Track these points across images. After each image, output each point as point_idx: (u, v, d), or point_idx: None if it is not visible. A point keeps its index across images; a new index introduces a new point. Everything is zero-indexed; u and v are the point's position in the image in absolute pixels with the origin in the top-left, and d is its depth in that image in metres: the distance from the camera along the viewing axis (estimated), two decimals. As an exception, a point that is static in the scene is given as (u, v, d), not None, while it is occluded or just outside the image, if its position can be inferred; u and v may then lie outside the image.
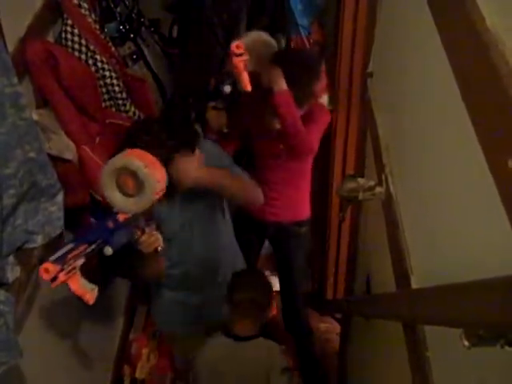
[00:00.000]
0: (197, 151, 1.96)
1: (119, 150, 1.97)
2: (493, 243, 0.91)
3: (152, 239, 1.90)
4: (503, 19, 0.81)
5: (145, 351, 3.38)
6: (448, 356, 1.20)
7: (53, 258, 1.69)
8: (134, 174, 1.66)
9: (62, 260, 1.70)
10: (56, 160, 1.96)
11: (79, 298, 1.75)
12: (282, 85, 2.41)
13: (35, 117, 1.92)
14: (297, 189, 2.95)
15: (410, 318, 1.43)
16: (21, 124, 1.65)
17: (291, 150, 2.65)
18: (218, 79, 2.56)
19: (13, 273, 1.72)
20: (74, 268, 1.72)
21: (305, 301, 3.49)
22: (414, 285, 1.43)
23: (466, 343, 0.81)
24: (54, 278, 1.69)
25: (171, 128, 1.94)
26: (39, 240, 1.85)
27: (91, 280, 1.77)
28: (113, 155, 1.92)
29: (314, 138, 2.63)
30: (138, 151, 1.73)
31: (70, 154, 2.04)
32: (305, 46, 3.30)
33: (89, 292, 1.77)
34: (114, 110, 2.39)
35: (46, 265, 1.64)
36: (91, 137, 2.13)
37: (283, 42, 3.31)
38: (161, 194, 1.75)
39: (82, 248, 1.71)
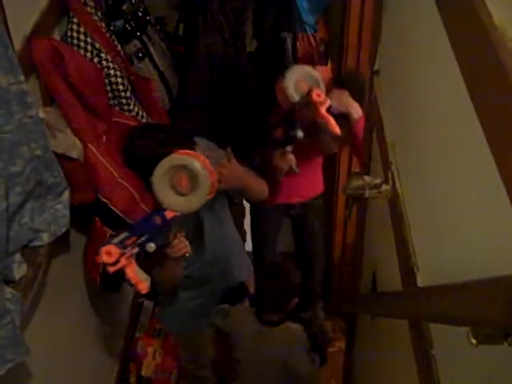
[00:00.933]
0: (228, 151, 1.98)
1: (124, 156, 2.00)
2: (500, 241, 0.90)
3: (182, 245, 1.91)
4: (511, 16, 0.81)
5: (150, 349, 3.39)
6: (454, 354, 1.19)
7: (115, 241, 1.70)
8: (191, 174, 1.69)
9: (122, 244, 1.70)
10: (62, 158, 1.96)
11: (133, 286, 1.76)
12: (360, 110, 2.52)
13: (42, 115, 1.92)
14: (316, 170, 3.13)
15: (416, 316, 1.43)
16: (27, 122, 1.65)
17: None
18: (288, 126, 2.57)
19: (19, 270, 1.73)
20: (131, 255, 1.73)
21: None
22: (420, 283, 1.43)
23: (474, 341, 0.81)
24: (114, 263, 1.69)
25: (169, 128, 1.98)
26: (45, 238, 1.85)
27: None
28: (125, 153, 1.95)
29: None
30: (195, 152, 1.75)
31: (76, 152, 2.05)
32: (311, 43, 3.29)
33: (142, 281, 1.77)
34: (117, 109, 2.38)
35: (109, 247, 1.68)
36: (98, 135, 2.13)
37: (289, 41, 3.31)
38: (211, 196, 1.76)
39: (133, 239, 1.74)
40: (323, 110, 2.33)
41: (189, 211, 1.78)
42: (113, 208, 2.15)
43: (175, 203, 1.73)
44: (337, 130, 2.35)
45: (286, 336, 2.58)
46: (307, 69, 2.52)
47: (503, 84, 0.74)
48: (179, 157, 1.71)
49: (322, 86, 2.45)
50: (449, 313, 1.01)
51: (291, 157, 2.66)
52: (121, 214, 2.16)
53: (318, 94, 2.31)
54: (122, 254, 1.70)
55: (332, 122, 2.34)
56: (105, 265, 2.19)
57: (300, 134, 2.55)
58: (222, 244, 2.43)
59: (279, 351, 2.54)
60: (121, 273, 1.76)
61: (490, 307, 0.78)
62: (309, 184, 3.18)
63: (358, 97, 2.55)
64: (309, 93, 2.36)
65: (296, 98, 2.41)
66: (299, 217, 3.39)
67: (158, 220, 1.76)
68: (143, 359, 3.37)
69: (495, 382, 0.95)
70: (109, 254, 1.69)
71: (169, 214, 1.75)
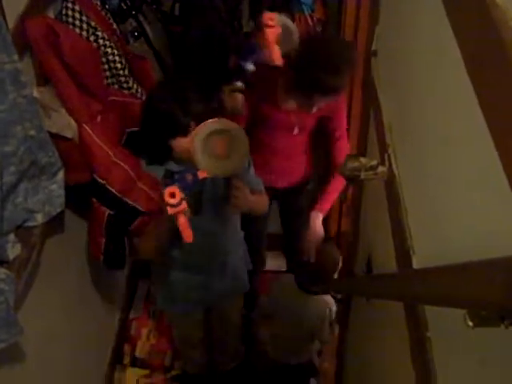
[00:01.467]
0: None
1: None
2: (496, 223, 0.90)
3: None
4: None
5: (144, 330, 3.40)
6: (449, 336, 1.20)
7: (177, 184, 1.73)
8: (231, 139, 1.74)
9: (181, 189, 1.74)
10: (57, 138, 1.94)
11: (179, 232, 1.76)
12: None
13: (36, 94, 1.90)
14: (301, 154, 3.03)
15: (412, 298, 1.43)
16: (21, 101, 1.63)
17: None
18: (240, 57, 2.48)
19: (13, 250, 1.72)
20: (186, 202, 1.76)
21: None
22: (416, 265, 1.43)
23: (470, 324, 0.81)
24: (176, 204, 1.70)
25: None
26: (39, 218, 1.84)
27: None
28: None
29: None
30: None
31: (71, 132, 2.03)
32: (308, 23, 3.27)
33: (188, 228, 1.77)
34: (116, 87, 2.36)
35: (173, 189, 1.70)
36: (92, 115, 2.12)
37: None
38: (243, 164, 1.88)
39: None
40: (269, 33, 2.25)
41: (222, 175, 1.86)
42: (110, 188, 2.14)
43: (211, 165, 1.77)
44: (278, 60, 2.26)
45: (323, 304, 2.90)
46: (289, 23, 2.39)
47: (504, 63, 0.73)
48: (221, 122, 1.76)
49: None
50: (446, 295, 1.01)
51: (238, 96, 2.54)
52: (118, 194, 2.15)
53: (271, 18, 2.23)
54: (182, 199, 1.73)
55: (275, 49, 2.25)
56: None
57: (250, 66, 2.44)
58: (219, 244, 2.43)
59: (315, 314, 2.88)
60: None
61: (488, 289, 0.78)
62: (293, 168, 3.09)
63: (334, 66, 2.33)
64: (262, 15, 2.25)
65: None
66: (287, 200, 3.32)
67: (189, 177, 1.79)
68: (137, 340, 3.38)
69: (489, 364, 0.95)
70: (172, 195, 1.71)
71: (201, 174, 1.78)
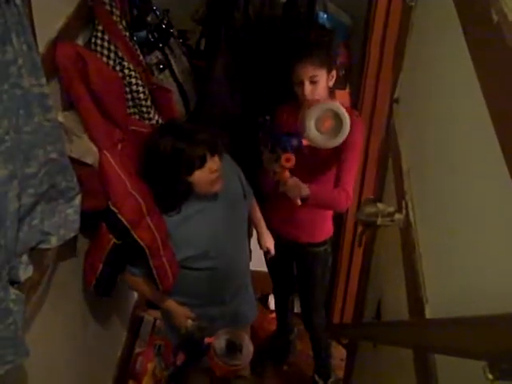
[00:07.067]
0: None
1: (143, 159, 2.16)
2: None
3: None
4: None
5: (150, 365, 3.33)
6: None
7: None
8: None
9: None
10: (77, 163, 1.96)
11: None
12: (304, 191, 2.36)
13: (60, 119, 1.93)
14: (322, 210, 2.87)
15: (427, 347, 1.40)
16: (46, 125, 1.65)
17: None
18: (275, 143, 2.40)
19: (25, 272, 1.71)
20: None
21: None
22: (428, 314, 1.41)
23: (490, 377, 0.79)
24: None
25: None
26: (54, 241, 1.84)
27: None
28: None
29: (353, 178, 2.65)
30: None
31: (91, 158, 2.05)
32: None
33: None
34: (137, 117, 2.39)
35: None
36: (114, 143, 2.13)
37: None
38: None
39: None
40: (281, 174, 2.32)
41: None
42: (121, 218, 2.14)
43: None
44: (293, 199, 2.38)
45: None
46: (326, 105, 2.33)
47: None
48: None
49: (346, 119, 2.27)
50: (467, 346, 0.99)
51: (274, 163, 2.40)
52: (127, 225, 2.15)
53: (288, 159, 2.25)
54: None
55: (288, 187, 2.33)
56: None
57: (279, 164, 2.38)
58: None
59: None
60: None
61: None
62: (305, 224, 2.89)
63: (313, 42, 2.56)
64: (280, 155, 2.29)
65: (312, 132, 2.28)
66: (299, 261, 3.15)
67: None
68: (143, 376, 3.30)
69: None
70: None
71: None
